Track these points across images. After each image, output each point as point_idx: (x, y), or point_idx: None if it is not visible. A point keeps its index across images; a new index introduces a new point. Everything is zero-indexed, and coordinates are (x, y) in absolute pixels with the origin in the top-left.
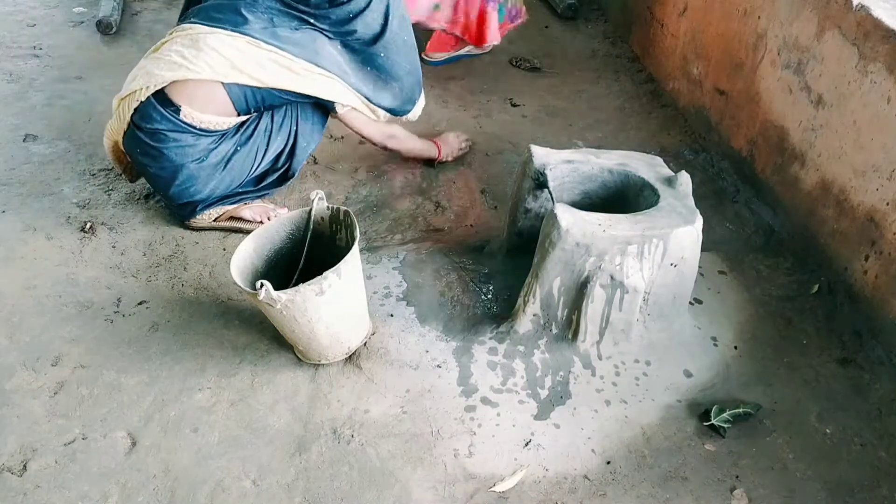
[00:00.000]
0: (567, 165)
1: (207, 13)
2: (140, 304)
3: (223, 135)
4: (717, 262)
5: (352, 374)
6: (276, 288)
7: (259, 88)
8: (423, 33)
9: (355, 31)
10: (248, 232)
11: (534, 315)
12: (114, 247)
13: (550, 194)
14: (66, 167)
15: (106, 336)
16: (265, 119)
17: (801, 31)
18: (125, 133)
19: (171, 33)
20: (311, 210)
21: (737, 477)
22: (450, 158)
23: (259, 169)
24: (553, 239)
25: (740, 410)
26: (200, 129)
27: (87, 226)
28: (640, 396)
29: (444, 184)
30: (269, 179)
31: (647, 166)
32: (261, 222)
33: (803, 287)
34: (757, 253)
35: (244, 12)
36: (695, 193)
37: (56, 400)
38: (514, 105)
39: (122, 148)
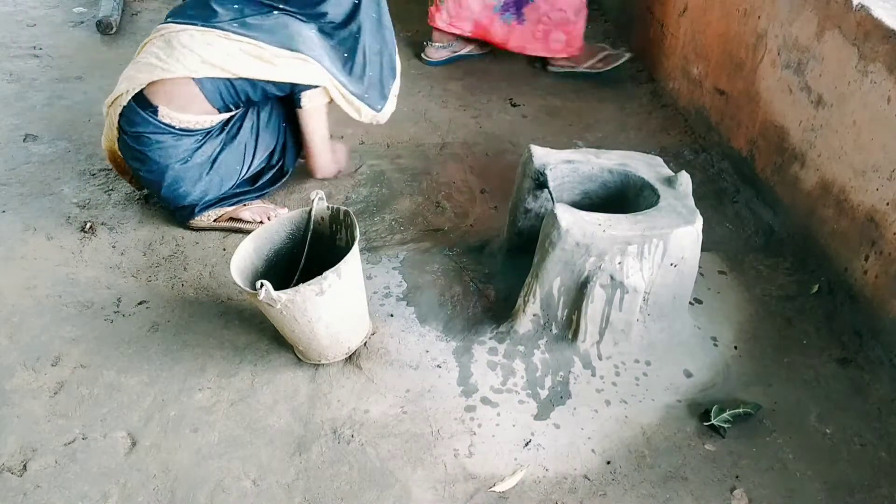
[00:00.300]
0: (567, 165)
1: (183, 11)
2: (140, 304)
3: (207, 134)
4: (717, 262)
5: (352, 374)
6: (276, 288)
7: (233, 82)
8: (423, 34)
9: (326, 14)
10: (248, 232)
11: (534, 315)
12: (114, 247)
13: (550, 194)
14: (66, 167)
15: (106, 336)
16: (251, 117)
17: (801, 31)
18: (118, 139)
19: (150, 36)
20: (311, 210)
21: (737, 477)
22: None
23: (252, 168)
24: (553, 239)
25: (740, 410)
26: (181, 130)
27: (87, 226)
28: (640, 396)
29: (444, 184)
30: (265, 178)
31: (647, 166)
32: (261, 222)
33: (803, 287)
34: (757, 253)
35: (214, 6)
36: (695, 193)
37: (56, 400)
38: (514, 105)
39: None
